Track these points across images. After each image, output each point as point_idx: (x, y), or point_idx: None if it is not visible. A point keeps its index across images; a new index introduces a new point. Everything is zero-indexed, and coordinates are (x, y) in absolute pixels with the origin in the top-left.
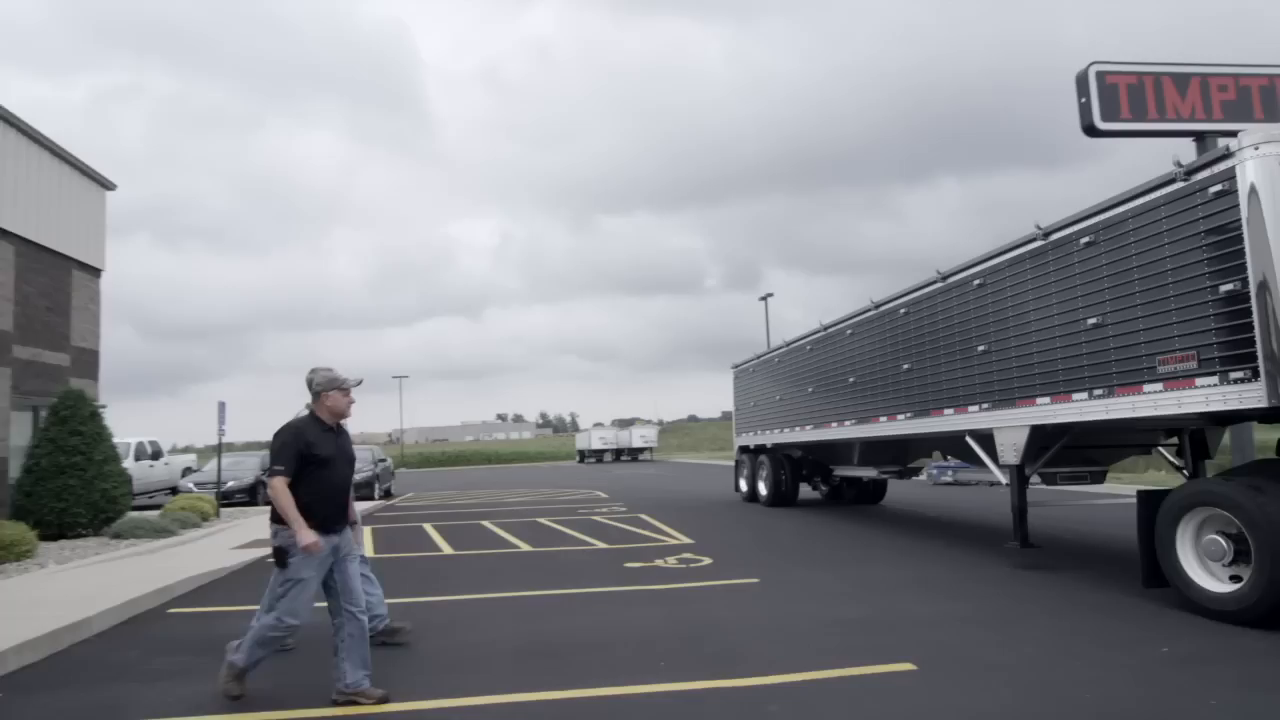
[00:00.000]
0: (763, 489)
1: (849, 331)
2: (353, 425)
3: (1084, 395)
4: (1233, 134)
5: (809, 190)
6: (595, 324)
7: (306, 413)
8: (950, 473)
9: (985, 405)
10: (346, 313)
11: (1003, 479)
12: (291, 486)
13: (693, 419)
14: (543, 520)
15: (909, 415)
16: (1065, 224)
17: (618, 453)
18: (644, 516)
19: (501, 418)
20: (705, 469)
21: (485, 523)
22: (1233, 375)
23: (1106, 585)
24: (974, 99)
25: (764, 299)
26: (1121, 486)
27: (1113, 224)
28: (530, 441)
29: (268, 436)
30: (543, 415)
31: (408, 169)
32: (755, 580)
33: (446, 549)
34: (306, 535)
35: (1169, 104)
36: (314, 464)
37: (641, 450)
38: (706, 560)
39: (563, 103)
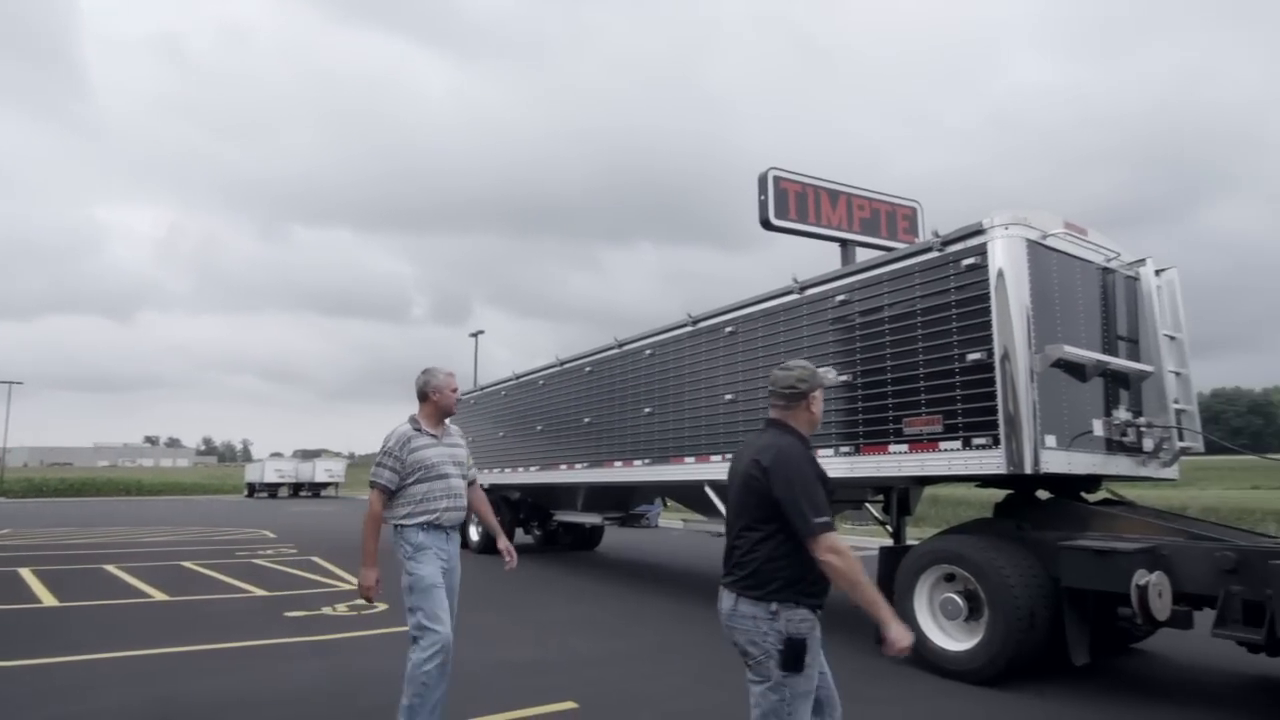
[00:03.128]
0: (474, 534)
1: (588, 369)
2: None
3: (830, 451)
4: (869, 246)
5: (521, 235)
6: (280, 342)
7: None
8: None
9: (728, 455)
10: None
11: None
12: (773, 545)
13: None
14: (189, 564)
15: (647, 461)
16: (820, 280)
17: (297, 487)
18: (317, 560)
19: (152, 441)
20: None
21: (110, 567)
22: (975, 441)
23: None
24: (673, 179)
25: (475, 335)
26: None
27: (869, 284)
28: (188, 471)
29: None
30: (206, 441)
31: (46, 132)
32: None
33: (49, 600)
34: (901, 631)
35: (824, 213)
36: None
37: (326, 485)
38: (382, 606)
39: (257, 94)
